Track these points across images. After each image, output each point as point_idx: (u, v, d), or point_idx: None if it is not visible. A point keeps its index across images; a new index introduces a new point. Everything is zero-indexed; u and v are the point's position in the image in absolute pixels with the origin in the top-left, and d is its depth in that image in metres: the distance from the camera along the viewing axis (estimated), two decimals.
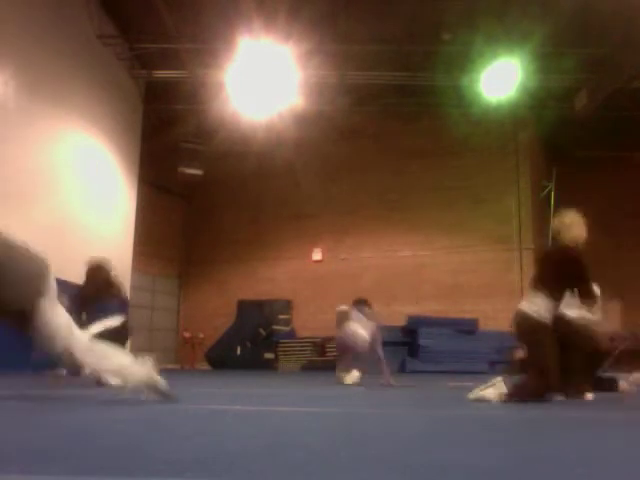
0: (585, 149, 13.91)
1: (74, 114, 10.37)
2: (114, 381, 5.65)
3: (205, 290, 16.38)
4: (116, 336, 5.30)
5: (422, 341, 12.03)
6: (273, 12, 9.93)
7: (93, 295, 5.29)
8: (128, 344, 6.28)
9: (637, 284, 13.96)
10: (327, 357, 12.95)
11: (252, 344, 13.82)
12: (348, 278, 14.45)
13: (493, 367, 12.10)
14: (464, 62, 11.27)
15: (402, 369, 11.82)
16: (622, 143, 13.81)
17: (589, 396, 4.54)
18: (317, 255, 15.32)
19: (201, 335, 14.58)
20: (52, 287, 3.06)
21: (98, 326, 5.24)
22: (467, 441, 2.16)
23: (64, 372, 6.91)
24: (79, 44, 10.53)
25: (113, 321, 5.25)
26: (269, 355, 13.59)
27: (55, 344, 3.04)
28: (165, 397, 3.23)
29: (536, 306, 4.10)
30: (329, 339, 13.26)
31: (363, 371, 6.58)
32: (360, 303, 7.23)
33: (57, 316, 3.06)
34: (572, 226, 4.14)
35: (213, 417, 2.90)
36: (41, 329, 2.98)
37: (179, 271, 16.92)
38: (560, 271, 4.04)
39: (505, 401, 3.75)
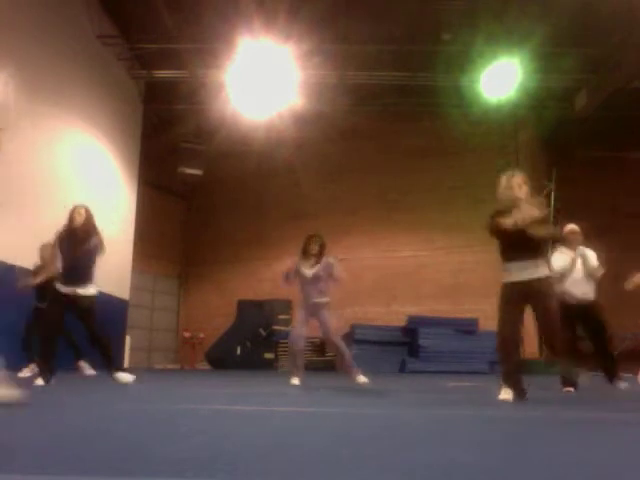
0: (585, 149, 13.90)
1: (74, 114, 10.37)
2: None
3: (205, 290, 16.39)
4: None
5: (422, 341, 12.03)
6: (273, 12, 9.93)
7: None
8: None
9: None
10: (327, 357, 12.95)
11: (252, 344, 13.82)
12: (348, 278, 14.43)
13: (493, 367, 12.11)
14: (464, 62, 11.27)
15: (402, 369, 11.83)
16: (622, 143, 13.80)
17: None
18: None
19: (201, 335, 14.58)
20: None
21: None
22: (467, 441, 2.16)
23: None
24: (79, 44, 10.52)
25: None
26: (269, 355, 13.59)
27: None
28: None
29: None
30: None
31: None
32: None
33: None
34: (500, 190, 4.19)
35: (213, 417, 2.90)
36: None
37: (179, 271, 16.92)
38: None
39: None
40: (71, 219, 5.27)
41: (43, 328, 5.36)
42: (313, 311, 6.07)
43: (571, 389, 5.16)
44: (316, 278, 6.07)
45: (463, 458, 1.74)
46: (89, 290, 5.24)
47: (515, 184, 4.14)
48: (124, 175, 12.30)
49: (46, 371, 5.02)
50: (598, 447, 2.09)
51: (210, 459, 1.64)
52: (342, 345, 6.04)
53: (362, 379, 5.87)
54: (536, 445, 2.04)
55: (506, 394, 3.97)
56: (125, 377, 5.28)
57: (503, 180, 4.18)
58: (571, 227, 5.68)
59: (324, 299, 6.11)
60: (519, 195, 4.12)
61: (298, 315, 6.19)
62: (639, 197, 14.46)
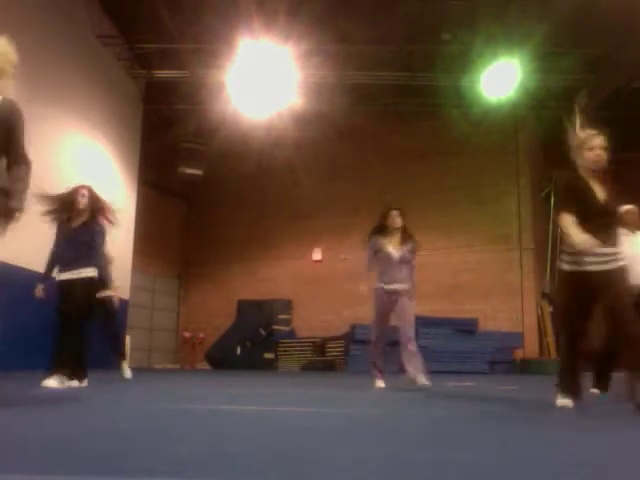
0: None
1: (74, 114, 10.37)
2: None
3: (205, 290, 16.38)
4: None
5: (422, 341, 12.00)
6: (273, 12, 9.93)
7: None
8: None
9: None
10: (327, 357, 12.96)
11: (252, 344, 13.83)
12: (348, 278, 14.45)
13: (493, 367, 12.11)
14: (464, 62, 11.26)
15: (402, 369, 11.81)
16: (622, 143, 13.79)
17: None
18: (317, 255, 15.32)
19: (201, 335, 14.58)
20: None
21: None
22: (467, 441, 2.16)
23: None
24: (79, 44, 10.52)
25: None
26: (269, 355, 13.59)
27: None
28: None
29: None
30: (329, 339, 13.27)
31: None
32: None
33: None
34: (578, 150, 3.37)
35: (213, 417, 2.90)
36: None
37: (179, 271, 16.91)
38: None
39: None
40: (74, 201, 5.04)
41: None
42: (393, 298, 5.35)
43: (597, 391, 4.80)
44: (403, 260, 5.37)
45: (463, 458, 1.74)
46: (89, 273, 4.94)
47: (604, 147, 3.29)
48: (124, 175, 12.30)
49: (82, 370, 4.91)
50: (598, 447, 2.09)
51: (210, 459, 1.64)
52: (415, 344, 5.42)
53: (422, 380, 5.29)
54: (536, 445, 2.04)
55: (564, 400, 3.36)
56: (51, 382, 4.69)
57: (589, 138, 3.32)
58: (628, 207, 5.16)
59: (407, 285, 5.41)
60: (604, 163, 3.27)
61: (377, 303, 5.42)
62: (639, 197, 14.46)
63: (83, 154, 10.70)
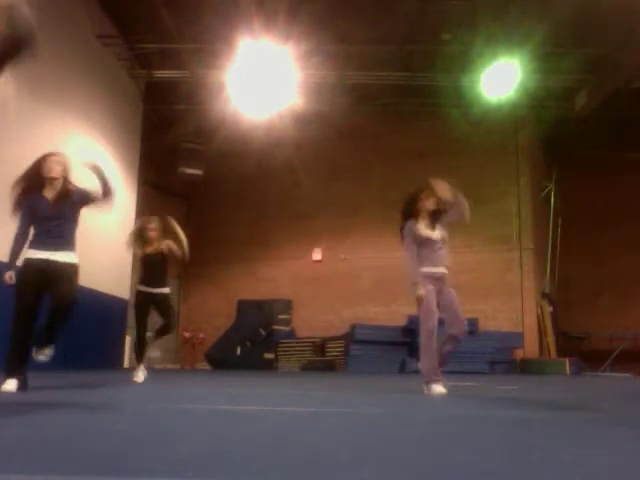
0: (585, 149, 13.91)
1: (73, 114, 10.37)
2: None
3: (205, 290, 16.39)
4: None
5: None
6: (273, 12, 9.93)
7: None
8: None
9: (637, 284, 13.96)
10: (327, 357, 12.95)
11: (252, 344, 13.83)
12: (348, 278, 14.46)
13: (493, 367, 12.12)
14: (464, 62, 11.27)
15: (402, 369, 11.83)
16: (622, 143, 13.81)
17: None
18: (317, 255, 15.32)
19: (201, 335, 14.59)
20: None
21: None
22: (467, 441, 2.16)
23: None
24: (79, 44, 10.52)
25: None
26: (269, 355, 13.59)
27: None
28: None
29: None
30: (329, 339, 13.28)
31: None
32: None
33: None
34: None
35: (213, 417, 2.90)
36: None
37: (179, 271, 16.91)
38: None
39: None
40: (47, 169, 4.31)
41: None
42: (440, 283, 4.69)
43: None
44: (444, 240, 4.89)
45: (463, 458, 1.74)
46: (72, 257, 4.25)
47: None
48: (124, 175, 12.29)
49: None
50: (598, 447, 2.09)
51: (210, 459, 1.64)
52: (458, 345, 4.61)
53: (438, 389, 4.41)
54: (536, 445, 2.04)
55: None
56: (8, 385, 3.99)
57: None
58: None
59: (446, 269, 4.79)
60: None
61: (426, 289, 4.61)
62: (639, 197, 14.47)
63: (83, 154, 10.67)
